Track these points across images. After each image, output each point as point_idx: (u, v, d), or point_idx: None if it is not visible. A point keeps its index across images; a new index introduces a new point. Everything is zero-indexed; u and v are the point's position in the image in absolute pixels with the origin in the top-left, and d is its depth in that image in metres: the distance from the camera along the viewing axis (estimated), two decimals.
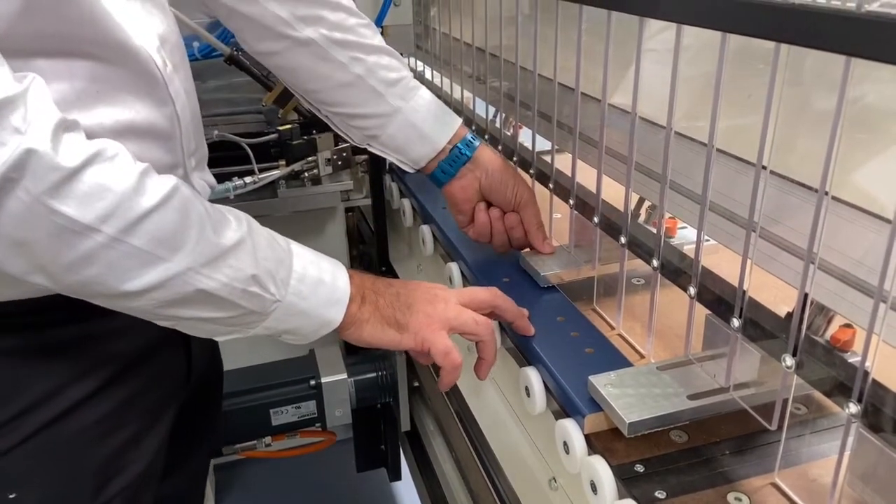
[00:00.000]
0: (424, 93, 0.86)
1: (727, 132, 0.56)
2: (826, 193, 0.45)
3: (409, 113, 0.84)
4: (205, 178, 0.74)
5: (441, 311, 0.67)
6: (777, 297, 0.55)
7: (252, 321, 0.61)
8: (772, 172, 0.52)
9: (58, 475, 0.64)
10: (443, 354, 0.66)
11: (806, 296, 0.49)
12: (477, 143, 0.87)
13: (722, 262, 0.61)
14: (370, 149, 0.87)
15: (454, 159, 0.86)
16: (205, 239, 0.56)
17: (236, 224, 0.60)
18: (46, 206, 0.48)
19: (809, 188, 0.50)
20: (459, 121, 0.87)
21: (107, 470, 0.67)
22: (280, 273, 0.61)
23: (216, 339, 0.63)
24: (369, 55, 0.81)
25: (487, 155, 0.87)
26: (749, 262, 0.54)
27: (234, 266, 0.57)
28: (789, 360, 0.50)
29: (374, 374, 1.41)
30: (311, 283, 0.62)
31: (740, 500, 0.54)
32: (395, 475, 1.60)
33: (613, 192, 0.73)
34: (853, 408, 0.45)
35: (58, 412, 0.63)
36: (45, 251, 0.50)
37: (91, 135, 0.55)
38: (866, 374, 0.45)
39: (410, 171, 0.88)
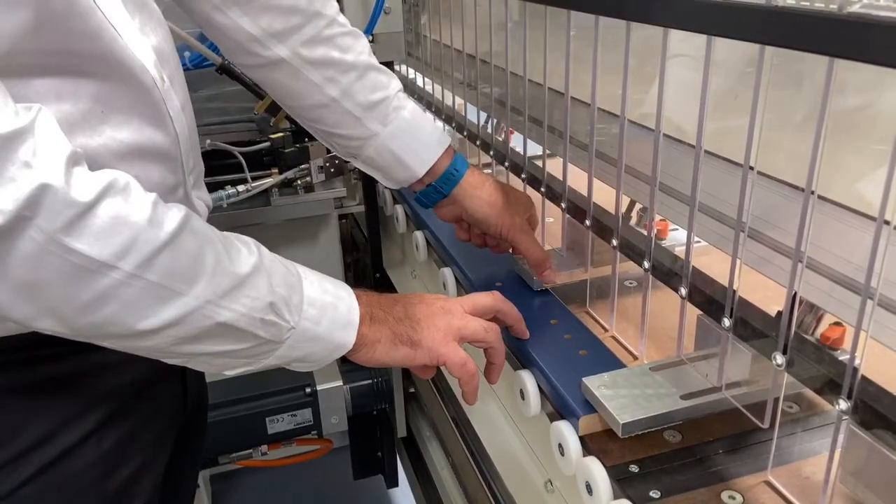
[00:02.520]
0: (408, 114, 0.81)
1: (723, 135, 0.56)
2: (812, 193, 0.46)
3: (387, 139, 0.80)
4: (202, 196, 0.73)
5: (449, 323, 0.66)
6: (768, 297, 0.55)
7: (266, 351, 0.58)
8: (763, 175, 0.52)
9: None
10: (459, 366, 0.65)
11: (795, 294, 0.49)
12: (459, 175, 0.82)
13: (714, 263, 0.61)
14: (353, 163, 0.85)
15: (429, 195, 0.83)
16: (221, 269, 0.54)
17: (247, 251, 0.57)
18: (61, 244, 0.45)
19: (797, 188, 0.50)
20: (441, 150, 0.82)
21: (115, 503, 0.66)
22: (293, 299, 0.59)
23: (226, 373, 0.60)
24: (346, 74, 0.77)
25: (469, 191, 0.82)
26: (739, 262, 0.54)
27: (251, 295, 0.55)
28: (780, 359, 0.51)
29: (369, 381, 1.41)
30: (323, 307, 0.60)
31: (734, 498, 0.55)
32: (392, 482, 1.60)
33: (605, 196, 0.73)
34: (843, 404, 0.46)
35: (59, 451, 0.61)
36: (57, 293, 0.47)
37: (97, 157, 0.53)
38: (855, 370, 0.45)
39: (395, 188, 0.86)
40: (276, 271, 0.59)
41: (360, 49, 0.79)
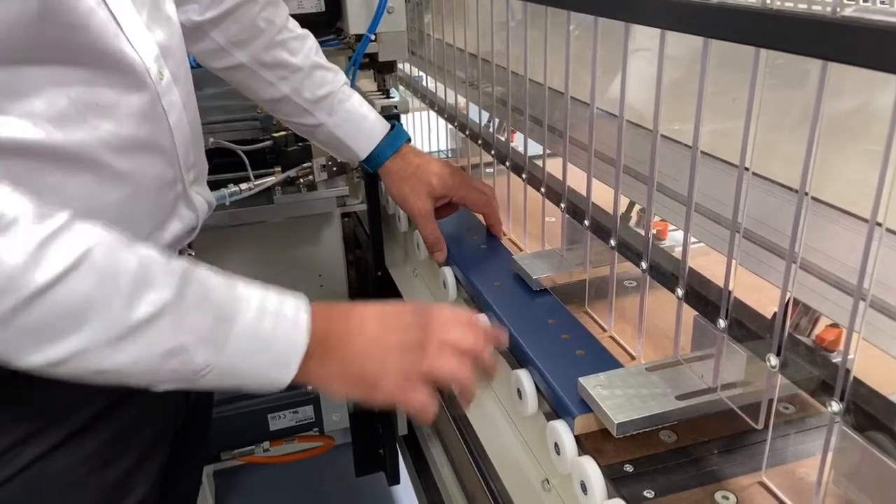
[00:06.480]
0: (352, 105, 0.93)
1: (721, 136, 0.56)
2: (806, 194, 0.46)
3: (333, 127, 0.93)
4: (203, 194, 0.73)
5: (415, 365, 0.61)
6: (767, 298, 0.56)
7: (188, 380, 0.55)
8: (760, 176, 0.52)
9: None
10: (416, 413, 0.61)
11: (788, 296, 0.49)
12: (381, 160, 0.94)
13: (712, 264, 0.61)
14: (310, 140, 0.99)
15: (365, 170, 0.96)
16: (111, 316, 0.50)
17: (160, 290, 0.52)
18: None
19: (793, 190, 0.50)
20: (381, 135, 0.94)
21: (111, 497, 0.66)
22: (215, 335, 0.54)
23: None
24: (295, 74, 0.89)
25: (386, 176, 0.96)
26: (734, 262, 0.54)
27: (143, 344, 0.52)
28: (773, 360, 0.51)
29: None
30: (251, 352, 0.56)
31: (728, 498, 0.55)
32: (394, 479, 1.60)
33: (605, 196, 0.73)
34: (835, 406, 0.46)
35: (58, 441, 0.61)
36: None
37: (94, 150, 0.54)
38: (847, 372, 0.45)
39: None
40: (202, 309, 0.54)
41: (307, 51, 0.91)
